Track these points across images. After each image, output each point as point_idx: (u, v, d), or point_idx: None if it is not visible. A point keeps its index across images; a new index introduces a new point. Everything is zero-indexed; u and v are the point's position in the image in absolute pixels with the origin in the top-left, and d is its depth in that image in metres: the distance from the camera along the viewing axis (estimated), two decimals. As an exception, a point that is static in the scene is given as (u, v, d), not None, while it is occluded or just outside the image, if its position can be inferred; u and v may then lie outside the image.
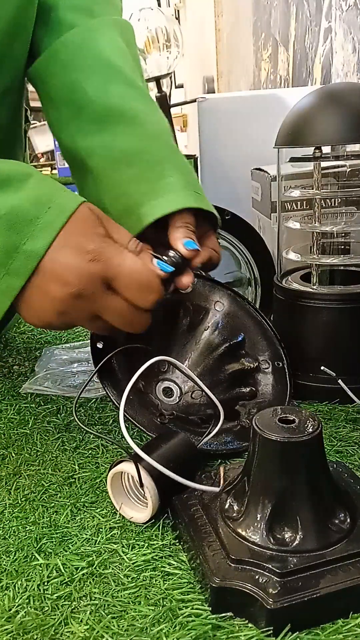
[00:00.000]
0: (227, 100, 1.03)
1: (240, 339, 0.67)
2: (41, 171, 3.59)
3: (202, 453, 0.55)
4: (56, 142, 0.79)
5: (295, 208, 0.80)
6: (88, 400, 0.70)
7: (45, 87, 0.67)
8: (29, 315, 0.53)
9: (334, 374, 0.63)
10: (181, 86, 3.96)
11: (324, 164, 0.70)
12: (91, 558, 0.45)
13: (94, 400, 0.70)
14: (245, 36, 2.18)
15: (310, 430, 0.43)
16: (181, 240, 0.57)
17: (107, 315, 0.53)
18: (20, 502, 0.53)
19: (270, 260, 0.81)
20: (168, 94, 1.69)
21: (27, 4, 0.65)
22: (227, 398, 0.63)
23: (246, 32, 2.16)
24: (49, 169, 3.01)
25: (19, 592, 0.43)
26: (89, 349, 0.69)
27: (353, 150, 0.72)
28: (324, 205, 0.76)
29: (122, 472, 0.49)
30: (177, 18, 4.01)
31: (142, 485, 0.47)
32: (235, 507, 0.45)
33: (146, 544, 0.46)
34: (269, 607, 0.38)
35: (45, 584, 0.43)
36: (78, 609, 0.41)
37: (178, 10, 4.12)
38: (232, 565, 0.41)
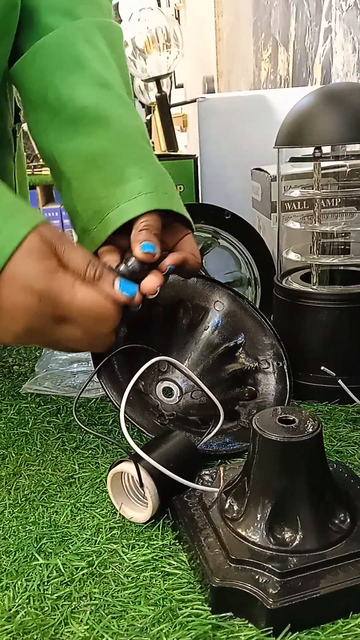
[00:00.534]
0: (227, 100, 1.03)
1: (240, 339, 0.67)
2: (41, 171, 3.59)
3: (202, 453, 0.55)
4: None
5: (295, 208, 0.80)
6: (88, 400, 0.70)
7: (23, 90, 0.66)
8: None
9: (334, 374, 0.63)
10: (181, 86, 3.96)
11: (324, 164, 0.70)
12: (91, 558, 0.45)
13: (94, 400, 0.70)
14: (245, 36, 2.18)
15: (310, 430, 0.43)
16: (139, 244, 0.55)
17: (64, 342, 0.53)
18: (20, 502, 0.53)
19: (270, 260, 0.81)
20: (168, 94, 1.69)
21: (10, 9, 0.64)
22: (227, 398, 0.63)
23: (246, 32, 2.16)
24: (49, 168, 3.01)
25: (19, 592, 0.43)
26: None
27: (353, 150, 0.72)
28: (324, 205, 0.76)
29: (122, 472, 0.49)
30: (177, 18, 4.01)
31: (142, 485, 0.47)
32: (235, 507, 0.45)
33: (146, 544, 0.46)
34: (269, 607, 0.38)
35: (45, 584, 0.43)
36: (78, 609, 0.41)
37: (178, 10, 4.12)
38: (232, 565, 0.41)
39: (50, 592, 0.42)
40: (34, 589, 0.43)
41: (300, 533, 0.42)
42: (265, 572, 0.40)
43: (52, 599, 0.42)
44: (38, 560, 0.46)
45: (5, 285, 0.49)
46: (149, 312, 0.63)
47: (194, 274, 0.62)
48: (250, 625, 0.39)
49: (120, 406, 0.52)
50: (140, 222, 0.57)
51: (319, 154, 0.66)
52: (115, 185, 0.58)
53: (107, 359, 0.58)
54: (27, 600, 0.42)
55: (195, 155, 0.98)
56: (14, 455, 0.60)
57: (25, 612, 0.41)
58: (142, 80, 1.66)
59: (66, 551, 0.46)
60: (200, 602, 0.41)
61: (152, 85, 1.64)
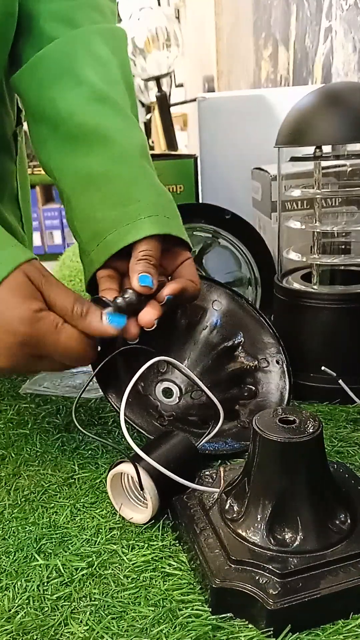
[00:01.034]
0: (227, 100, 1.02)
1: (239, 338, 0.66)
2: (40, 171, 3.57)
3: (202, 454, 0.55)
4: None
5: (296, 208, 0.80)
6: (88, 401, 0.70)
7: (24, 102, 0.66)
8: None
9: (334, 374, 0.62)
10: (181, 85, 3.96)
11: (324, 163, 0.70)
12: (91, 559, 0.45)
13: (94, 400, 0.70)
14: (246, 35, 2.18)
15: (311, 430, 0.43)
16: (137, 275, 0.54)
17: (46, 369, 0.57)
18: (20, 502, 0.53)
19: (270, 260, 0.81)
20: (168, 93, 1.69)
21: (7, 17, 0.63)
22: (226, 398, 0.63)
23: (246, 31, 2.16)
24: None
25: (18, 593, 0.43)
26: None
27: (353, 150, 0.72)
28: (324, 205, 0.75)
29: (122, 473, 0.49)
30: (177, 17, 4.01)
31: (142, 486, 0.47)
32: (236, 508, 0.45)
33: (146, 545, 0.46)
34: (269, 607, 0.38)
35: (45, 584, 0.43)
36: (78, 609, 0.41)
37: (178, 10, 4.12)
38: (233, 566, 0.41)
39: (50, 593, 0.42)
40: (33, 590, 0.43)
41: (300, 534, 0.42)
42: (265, 573, 0.40)
43: (52, 600, 0.42)
44: (38, 560, 0.45)
45: None
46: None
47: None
48: (250, 626, 0.39)
49: (119, 408, 0.52)
50: (139, 250, 0.56)
51: (319, 153, 0.66)
52: (114, 208, 0.57)
53: (106, 361, 0.58)
54: (27, 601, 0.42)
55: (195, 154, 0.98)
56: (13, 455, 0.60)
57: (25, 612, 0.41)
58: (142, 79, 1.66)
59: (66, 552, 0.46)
60: (200, 603, 0.40)
61: (152, 84, 1.65)
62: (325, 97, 0.62)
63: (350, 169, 0.75)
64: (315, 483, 0.43)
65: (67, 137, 0.61)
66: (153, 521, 0.48)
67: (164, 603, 0.41)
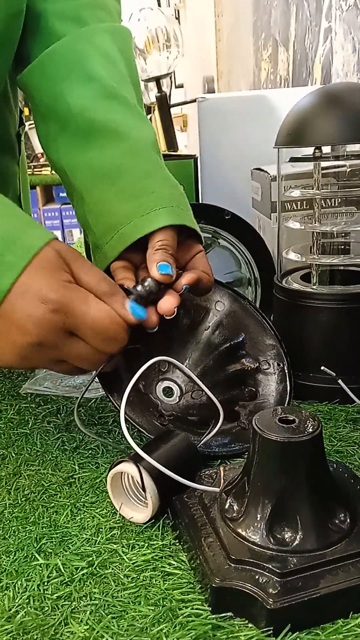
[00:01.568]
0: (227, 100, 1.03)
1: (240, 339, 0.67)
2: (41, 171, 3.58)
3: (202, 454, 0.55)
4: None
5: (296, 208, 0.80)
6: (88, 400, 0.70)
7: (33, 100, 0.66)
8: None
9: (334, 374, 0.63)
10: (181, 86, 3.96)
11: (324, 163, 0.70)
12: (91, 558, 0.45)
13: (94, 400, 0.70)
14: (245, 36, 2.18)
15: (310, 430, 0.43)
16: (156, 264, 0.55)
17: (70, 359, 0.52)
18: (20, 502, 0.53)
19: (270, 260, 0.81)
20: (168, 93, 1.69)
21: (14, 17, 0.63)
22: (227, 398, 0.63)
23: (246, 32, 2.16)
24: (49, 168, 3.01)
25: (19, 592, 0.43)
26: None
27: (353, 150, 0.72)
28: (324, 205, 0.76)
29: (122, 473, 0.49)
30: (177, 18, 4.02)
31: (142, 485, 0.47)
32: (235, 507, 0.45)
33: (146, 544, 0.46)
34: (269, 607, 0.38)
35: (45, 584, 0.43)
36: (78, 609, 0.41)
37: (178, 10, 4.12)
38: (232, 565, 0.41)
39: (50, 592, 0.42)
40: (34, 589, 0.43)
41: (300, 533, 0.42)
42: (265, 572, 0.40)
43: (52, 599, 0.42)
44: (38, 560, 0.46)
45: (18, 297, 0.48)
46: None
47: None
48: (250, 625, 0.39)
49: (120, 407, 0.52)
50: (156, 240, 0.56)
51: (319, 153, 0.66)
52: (129, 200, 0.58)
53: (107, 362, 0.58)
54: (27, 600, 0.42)
55: (195, 155, 0.98)
56: (14, 455, 0.60)
57: (25, 612, 0.41)
58: (142, 80, 1.66)
59: (66, 551, 0.46)
60: (200, 602, 0.41)
61: (152, 85, 1.65)
62: (325, 97, 0.62)
63: (349, 169, 0.75)
64: (315, 482, 0.43)
65: (78, 133, 0.61)
66: (153, 520, 0.48)
67: (164, 602, 0.41)
